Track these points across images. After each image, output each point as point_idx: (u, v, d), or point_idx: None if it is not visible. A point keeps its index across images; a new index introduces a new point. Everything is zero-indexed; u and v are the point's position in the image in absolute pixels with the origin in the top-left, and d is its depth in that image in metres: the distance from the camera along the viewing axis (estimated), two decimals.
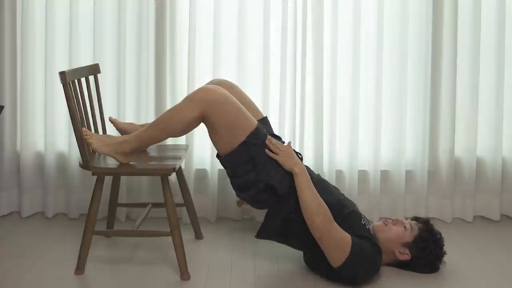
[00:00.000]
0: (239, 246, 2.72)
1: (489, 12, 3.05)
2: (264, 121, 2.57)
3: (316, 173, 2.54)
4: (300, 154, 2.50)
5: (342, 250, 2.19)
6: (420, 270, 2.39)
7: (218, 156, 2.40)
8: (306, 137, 3.04)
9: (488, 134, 3.11)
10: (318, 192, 2.29)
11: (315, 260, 2.34)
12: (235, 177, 2.33)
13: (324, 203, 2.24)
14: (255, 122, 2.32)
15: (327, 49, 3.01)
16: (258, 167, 2.28)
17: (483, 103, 3.10)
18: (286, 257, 2.58)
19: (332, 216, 2.23)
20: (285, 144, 2.38)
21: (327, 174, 3.03)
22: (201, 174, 3.10)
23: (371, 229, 2.34)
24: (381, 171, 3.13)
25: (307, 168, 2.44)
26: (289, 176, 2.32)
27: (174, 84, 3.04)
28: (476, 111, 3.04)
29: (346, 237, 2.21)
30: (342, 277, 2.24)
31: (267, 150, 2.32)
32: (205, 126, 2.33)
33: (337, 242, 2.19)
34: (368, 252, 2.24)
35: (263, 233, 2.39)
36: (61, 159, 3.10)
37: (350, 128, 3.04)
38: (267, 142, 2.33)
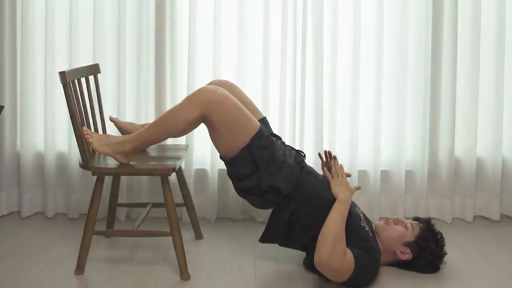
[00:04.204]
0: (239, 246, 2.72)
1: (489, 12, 3.05)
2: (263, 122, 2.57)
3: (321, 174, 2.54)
4: (303, 153, 2.50)
5: (341, 276, 2.14)
6: (421, 270, 2.39)
7: (221, 157, 2.40)
8: (306, 137, 3.04)
9: (488, 134, 3.11)
10: (323, 189, 2.32)
11: None
12: (239, 180, 2.33)
13: (343, 241, 2.15)
14: (257, 123, 2.32)
15: (327, 49, 3.02)
16: (262, 169, 2.29)
17: (483, 103, 3.10)
18: (286, 257, 2.58)
19: (344, 253, 2.13)
20: (345, 175, 2.41)
21: None
22: (201, 174, 3.10)
23: (370, 232, 2.33)
24: (381, 171, 3.13)
25: (311, 168, 2.45)
26: (293, 175, 2.32)
27: (174, 84, 3.04)
28: (476, 111, 3.04)
29: (348, 266, 2.13)
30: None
31: (324, 168, 2.39)
32: (205, 126, 2.33)
33: (334, 273, 2.12)
34: (370, 266, 2.22)
35: (267, 236, 2.40)
36: (61, 159, 3.10)
37: (350, 128, 3.04)
38: (332, 163, 2.39)
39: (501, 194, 3.15)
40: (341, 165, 2.45)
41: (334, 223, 2.18)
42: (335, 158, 2.47)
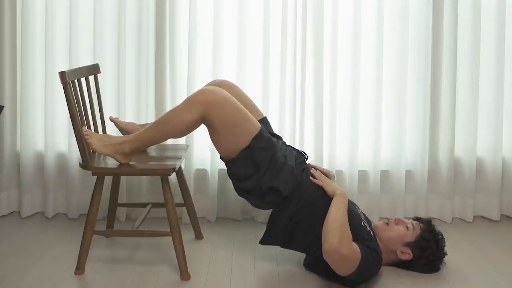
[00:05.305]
0: (239, 246, 2.72)
1: (489, 12, 3.05)
2: (263, 121, 2.57)
3: None
4: (305, 154, 2.51)
5: (349, 266, 2.12)
6: (421, 270, 2.39)
7: (222, 158, 2.40)
8: (306, 137, 3.04)
9: (488, 134, 3.11)
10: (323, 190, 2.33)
11: (316, 259, 2.33)
12: (240, 180, 2.33)
13: (348, 229, 2.17)
14: (258, 124, 2.32)
15: (327, 49, 3.02)
16: (262, 170, 2.29)
17: (483, 103, 3.10)
18: (286, 257, 2.58)
19: (351, 240, 2.14)
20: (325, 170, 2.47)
21: None
22: (201, 174, 3.10)
23: (371, 231, 2.33)
24: (381, 171, 3.13)
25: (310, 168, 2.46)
26: (294, 177, 2.33)
27: (174, 84, 3.04)
28: (476, 111, 3.04)
29: (356, 256, 2.12)
30: (343, 279, 2.24)
31: (311, 177, 2.39)
32: (205, 127, 2.34)
33: (344, 262, 2.10)
34: (374, 262, 2.22)
35: (268, 238, 2.40)
36: (61, 159, 3.10)
37: (350, 128, 3.04)
38: (312, 171, 2.41)
39: (501, 194, 3.15)
40: (318, 170, 2.45)
41: (337, 212, 2.20)
42: (313, 167, 2.49)
